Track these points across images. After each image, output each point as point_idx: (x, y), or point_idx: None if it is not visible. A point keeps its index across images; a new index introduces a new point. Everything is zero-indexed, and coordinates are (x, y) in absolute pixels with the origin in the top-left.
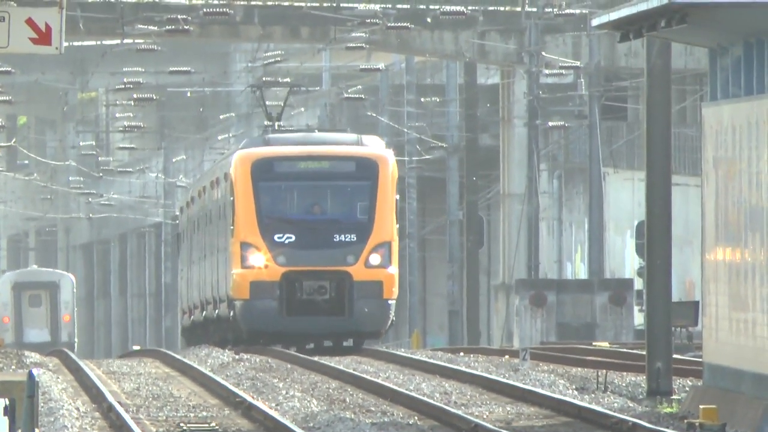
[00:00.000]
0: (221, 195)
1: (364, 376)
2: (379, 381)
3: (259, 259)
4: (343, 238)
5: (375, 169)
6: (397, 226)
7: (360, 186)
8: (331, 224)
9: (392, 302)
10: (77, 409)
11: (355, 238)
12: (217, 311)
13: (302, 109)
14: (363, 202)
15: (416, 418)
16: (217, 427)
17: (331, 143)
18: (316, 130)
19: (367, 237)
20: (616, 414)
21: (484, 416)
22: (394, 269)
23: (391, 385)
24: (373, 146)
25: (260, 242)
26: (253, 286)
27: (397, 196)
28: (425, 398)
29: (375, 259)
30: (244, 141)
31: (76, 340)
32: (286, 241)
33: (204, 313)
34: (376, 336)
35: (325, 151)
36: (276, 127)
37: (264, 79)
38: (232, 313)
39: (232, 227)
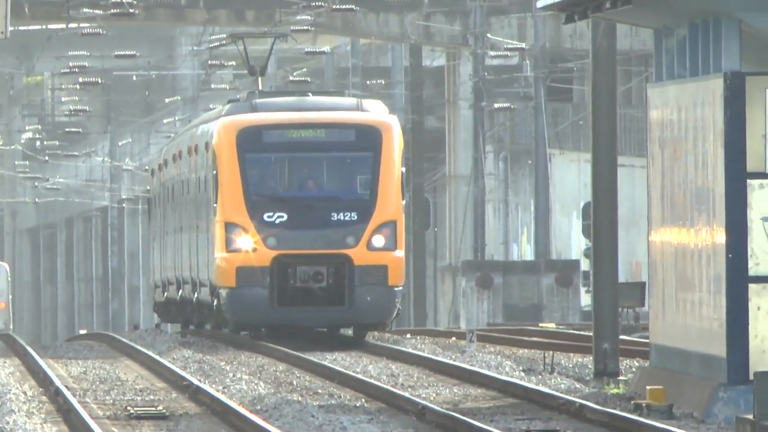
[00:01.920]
0: (201, 166)
1: (311, 358)
2: (326, 363)
3: (247, 241)
4: (341, 217)
5: (378, 138)
6: (404, 202)
7: (361, 157)
8: (328, 201)
9: (399, 290)
10: (24, 393)
11: (355, 217)
12: (196, 295)
13: (245, 92)
14: (364, 176)
15: (363, 400)
16: (164, 411)
17: (327, 108)
18: (310, 94)
19: (370, 216)
20: (563, 395)
21: (431, 398)
22: (400, 252)
23: (338, 368)
24: (376, 112)
25: (247, 222)
26: (239, 273)
27: (403, 169)
28: (372, 380)
29: (378, 240)
30: (227, 106)
31: (11, 327)
32: (277, 221)
33: (180, 292)
34: (379, 328)
35: (320, 118)
36: (259, 90)
37: (210, 62)
38: (215, 302)
39: (215, 205)
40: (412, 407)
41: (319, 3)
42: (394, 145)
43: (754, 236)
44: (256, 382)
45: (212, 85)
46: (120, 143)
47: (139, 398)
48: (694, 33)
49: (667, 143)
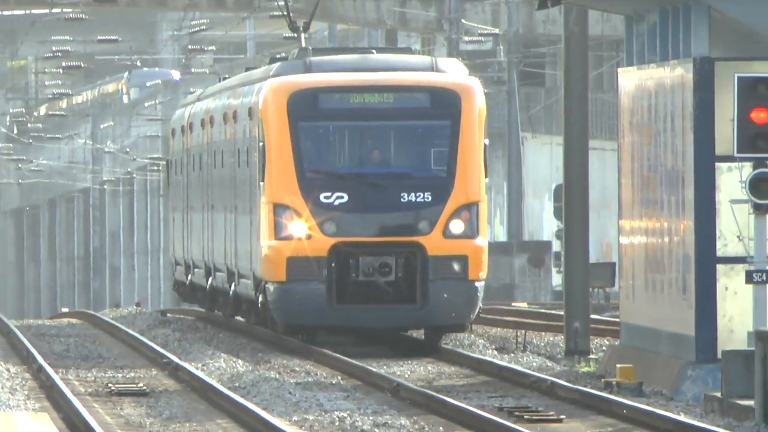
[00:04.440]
0: (242, 136)
1: (288, 337)
2: (303, 342)
3: (300, 227)
4: (413, 198)
5: (457, 104)
6: (487, 180)
7: (437, 126)
8: (397, 179)
9: (480, 284)
10: (8, 370)
11: (429, 198)
12: (233, 287)
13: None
14: (441, 149)
15: (340, 378)
16: (144, 388)
17: (395, 68)
18: (374, 51)
19: (447, 196)
20: (535, 373)
21: (406, 376)
22: (482, 240)
23: (314, 347)
24: (454, 72)
25: (301, 204)
26: (291, 265)
27: (486, 141)
28: (349, 359)
29: (457, 226)
30: (275, 65)
31: None
32: (336, 203)
33: (211, 280)
34: (458, 330)
35: (388, 80)
36: (304, 43)
37: (190, 47)
38: (260, 298)
39: (261, 183)
40: (387, 384)
41: None
42: (476, 112)
43: (722, 218)
44: (234, 360)
45: (192, 69)
46: (101, 126)
47: (120, 375)
48: (665, 19)
49: (637, 127)
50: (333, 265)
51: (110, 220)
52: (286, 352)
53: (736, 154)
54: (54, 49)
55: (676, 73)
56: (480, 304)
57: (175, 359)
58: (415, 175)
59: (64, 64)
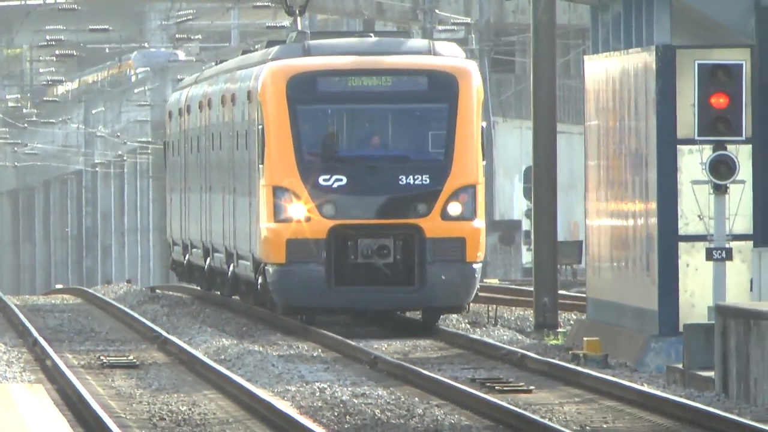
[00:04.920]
0: (241, 119)
1: (261, 308)
2: (286, 317)
3: (299, 209)
4: (411, 180)
5: (454, 87)
6: (484, 163)
7: (434, 110)
8: (396, 162)
9: (478, 266)
10: (4, 344)
11: (427, 181)
12: (232, 268)
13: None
14: (438, 132)
15: (320, 351)
16: (134, 360)
17: (393, 52)
18: (372, 35)
19: (444, 179)
20: (505, 346)
21: (383, 349)
22: (480, 222)
23: (297, 321)
24: (451, 56)
25: (300, 187)
26: (290, 247)
27: (484, 124)
28: (329, 333)
29: (455, 208)
30: (275, 49)
31: None
32: (335, 186)
33: (209, 261)
34: (456, 311)
35: (386, 63)
36: (298, 27)
37: (177, 36)
38: (260, 280)
39: (260, 166)
40: (365, 357)
41: None
42: (473, 95)
43: (683, 198)
44: (220, 334)
45: (180, 57)
46: (93, 111)
47: (111, 349)
48: (628, 8)
49: (602, 112)
50: (332, 247)
51: (102, 201)
52: (270, 326)
53: (696, 138)
54: (48, 38)
55: (640, 61)
56: (477, 286)
57: (164, 333)
58: (413, 157)
59: (57, 52)
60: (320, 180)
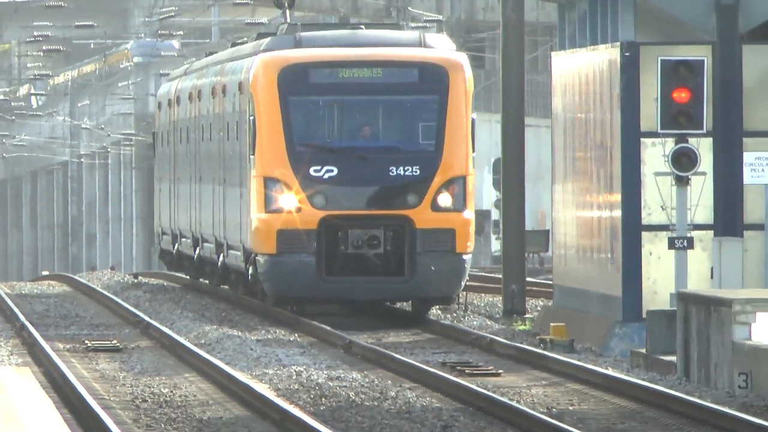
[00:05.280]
0: (231, 110)
1: (250, 298)
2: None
3: (290, 200)
4: (401, 171)
5: (445, 79)
6: (474, 155)
7: (425, 101)
8: (386, 153)
9: (468, 257)
10: None
11: (418, 172)
12: (222, 258)
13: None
14: (429, 123)
15: (297, 335)
16: (118, 344)
17: (384, 44)
18: (363, 27)
19: (435, 170)
20: (475, 331)
21: (357, 333)
22: (470, 213)
23: (275, 308)
24: (442, 48)
25: (291, 178)
26: (281, 237)
27: (474, 115)
28: (305, 318)
29: (445, 199)
30: (266, 40)
31: None
32: (326, 176)
33: (199, 250)
34: (445, 302)
35: (377, 55)
36: (288, 19)
37: (160, 32)
38: (251, 270)
39: (251, 156)
40: (340, 341)
41: None
42: (463, 87)
43: (647, 189)
44: (200, 319)
45: (162, 53)
46: (79, 104)
47: (95, 333)
48: (594, 6)
49: (569, 106)
50: (322, 237)
51: (87, 190)
52: (248, 311)
53: (659, 131)
54: (35, 33)
55: (605, 57)
56: (467, 277)
57: (146, 318)
58: (403, 149)
59: (44, 47)
60: (311, 171)
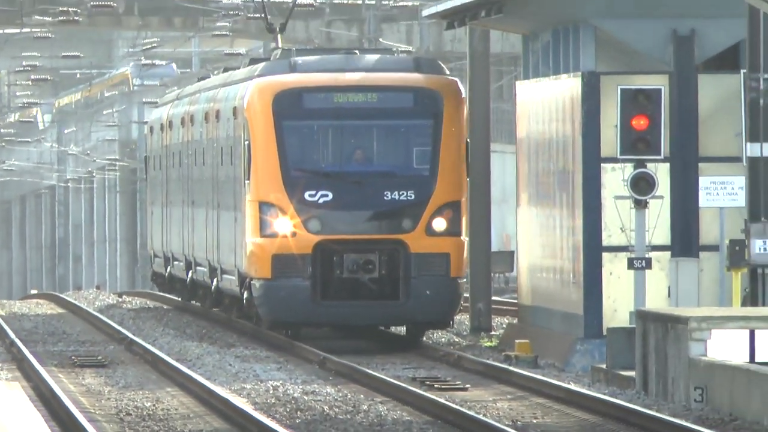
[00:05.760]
0: (225, 134)
1: (245, 321)
2: (243, 322)
3: (285, 224)
4: (396, 195)
5: (439, 104)
6: (469, 179)
7: (419, 126)
8: (381, 178)
9: (462, 281)
10: None
11: (412, 196)
12: (216, 282)
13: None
14: (423, 148)
15: (273, 351)
16: (103, 360)
17: (379, 69)
18: (357, 51)
19: (429, 194)
20: (444, 348)
21: (331, 350)
22: (464, 238)
23: (251, 324)
24: (436, 72)
25: (285, 202)
26: (276, 262)
27: (468, 140)
28: (281, 336)
29: (440, 223)
30: (260, 65)
31: None
32: (321, 201)
33: (192, 274)
34: (440, 326)
35: (371, 80)
36: (279, 44)
37: (143, 62)
38: (246, 294)
39: (246, 181)
40: (314, 357)
41: (237, 12)
42: (458, 112)
43: (607, 212)
44: (182, 336)
45: (144, 82)
46: (66, 131)
47: (82, 349)
48: (557, 38)
49: (533, 132)
50: (317, 262)
51: (73, 213)
52: (227, 329)
53: (619, 156)
54: (24, 63)
55: (567, 86)
56: (461, 301)
57: (130, 335)
58: (398, 173)
59: (33, 76)
60: (306, 195)
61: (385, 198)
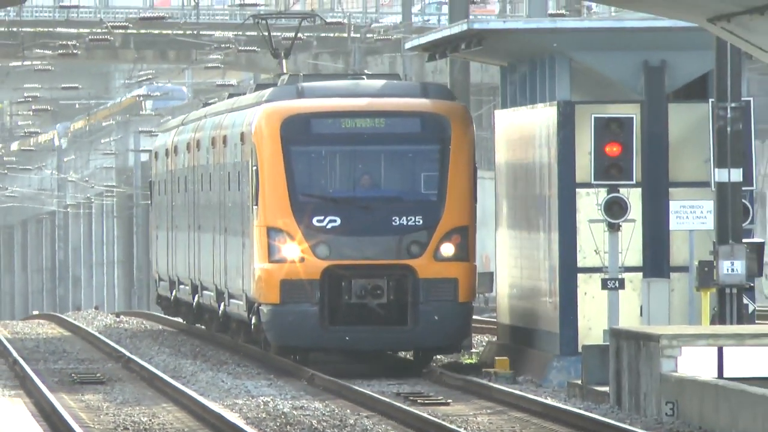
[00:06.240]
0: (232, 160)
1: (223, 335)
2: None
3: (293, 250)
4: (404, 221)
5: (446, 129)
6: (477, 204)
7: (427, 151)
8: (389, 203)
9: (471, 306)
10: None
11: (420, 222)
12: (223, 306)
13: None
14: (431, 173)
15: (264, 369)
16: (101, 377)
17: (386, 94)
18: (364, 77)
19: (437, 220)
20: (425, 364)
21: (319, 368)
22: (473, 263)
23: (241, 343)
24: (443, 98)
25: (294, 228)
26: (284, 287)
27: (476, 166)
28: (272, 355)
29: (447, 249)
30: (268, 91)
31: None
32: (329, 226)
33: (198, 298)
34: (449, 351)
35: (379, 105)
36: (284, 68)
37: (140, 95)
38: (254, 319)
39: (254, 207)
40: (303, 374)
41: (228, 45)
42: (465, 137)
43: (581, 235)
44: (176, 354)
45: (141, 112)
46: (65, 159)
47: (81, 367)
48: (533, 69)
49: (511, 159)
50: (326, 287)
51: (73, 237)
52: (220, 347)
53: (593, 182)
54: (25, 95)
55: (543, 114)
56: (471, 326)
57: (127, 353)
58: (406, 198)
59: (34, 107)
60: (314, 221)
61: (393, 223)
